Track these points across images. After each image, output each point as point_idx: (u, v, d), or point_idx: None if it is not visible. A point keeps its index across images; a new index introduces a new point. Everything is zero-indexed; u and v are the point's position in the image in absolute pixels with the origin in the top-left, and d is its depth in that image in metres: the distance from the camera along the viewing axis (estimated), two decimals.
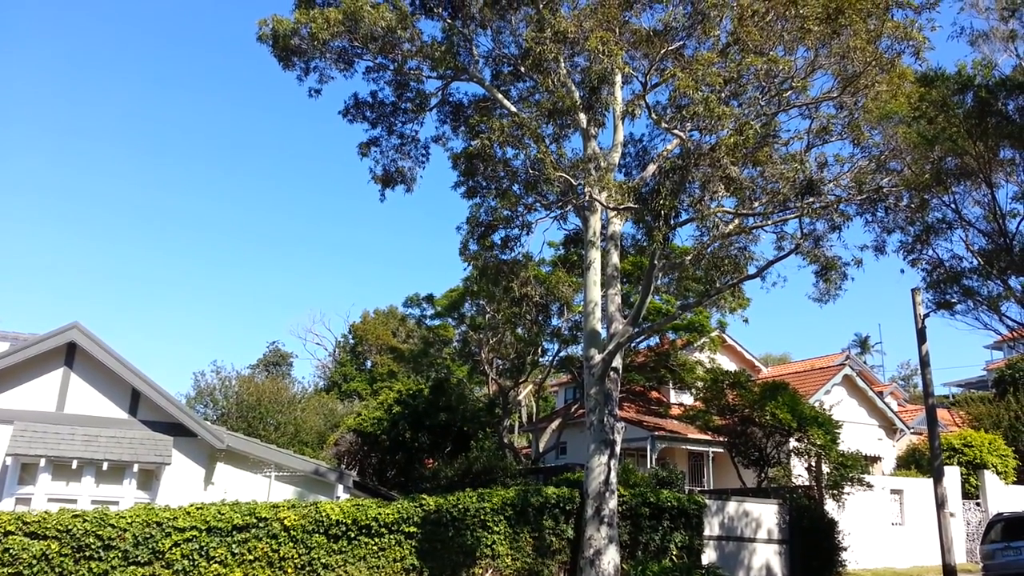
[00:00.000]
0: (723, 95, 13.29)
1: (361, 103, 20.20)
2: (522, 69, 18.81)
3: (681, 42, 15.21)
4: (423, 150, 20.79)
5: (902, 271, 19.09)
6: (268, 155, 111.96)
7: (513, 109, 18.39)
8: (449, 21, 19.30)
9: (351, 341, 60.04)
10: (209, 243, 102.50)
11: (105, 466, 16.03)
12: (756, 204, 14.84)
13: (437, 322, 35.34)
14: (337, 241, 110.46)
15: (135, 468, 16.37)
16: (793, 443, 23.12)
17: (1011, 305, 18.52)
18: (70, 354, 16.85)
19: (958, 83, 16.35)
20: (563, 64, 17.23)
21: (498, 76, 20.30)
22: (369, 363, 57.97)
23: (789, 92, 14.21)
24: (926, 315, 22.20)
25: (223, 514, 13.99)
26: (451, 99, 20.75)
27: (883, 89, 14.12)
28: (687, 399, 31.97)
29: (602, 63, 13.60)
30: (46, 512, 13.11)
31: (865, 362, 55.26)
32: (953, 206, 18.20)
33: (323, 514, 14.72)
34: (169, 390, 17.68)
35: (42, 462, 15.62)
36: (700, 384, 28.16)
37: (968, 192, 18.16)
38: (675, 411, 31.27)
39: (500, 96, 19.07)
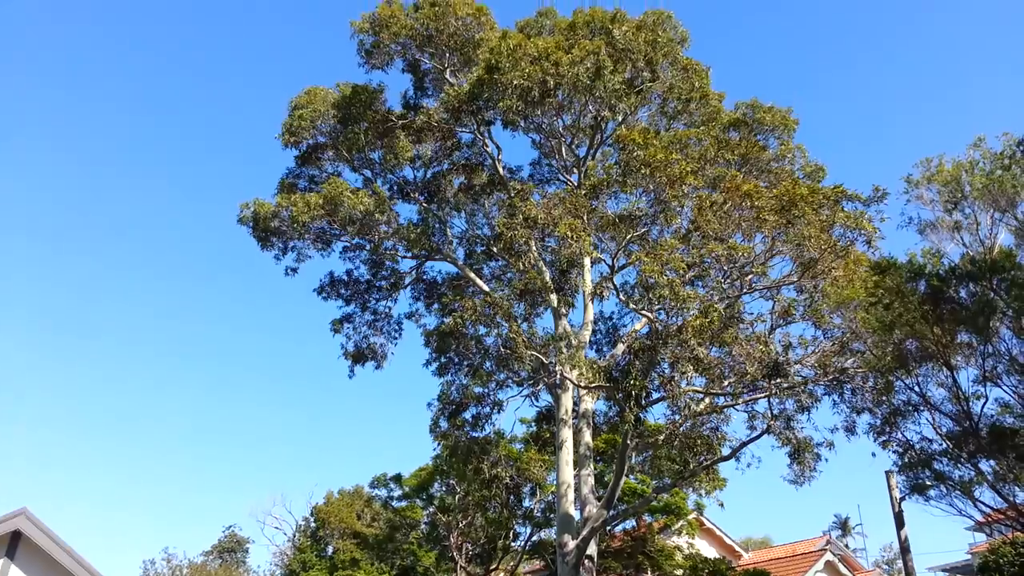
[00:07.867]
0: (687, 278, 13.79)
1: (337, 281, 20.70)
2: (495, 249, 19.52)
3: (646, 227, 15.93)
4: (396, 326, 21.11)
5: (873, 454, 18.76)
6: (232, 331, 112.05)
7: (486, 288, 18.85)
8: (425, 204, 20.24)
9: (313, 524, 57.01)
10: (167, 422, 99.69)
11: None
12: (726, 383, 14.93)
13: (404, 503, 33.99)
14: (303, 418, 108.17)
15: None
16: None
17: (984, 489, 18.18)
18: (13, 544, 15.62)
19: (910, 271, 17.05)
20: (534, 246, 17.90)
21: (471, 255, 21.02)
22: (331, 549, 54.84)
23: (750, 275, 14.74)
24: (901, 499, 21.77)
25: None
26: (425, 277, 21.38)
27: (840, 274, 14.70)
28: None
29: (571, 247, 14.17)
30: None
31: (847, 545, 53.45)
32: (917, 388, 18.35)
33: None
34: None
35: None
36: (679, 572, 26.89)
37: (931, 374, 18.35)
38: None
39: (473, 275, 19.61)
